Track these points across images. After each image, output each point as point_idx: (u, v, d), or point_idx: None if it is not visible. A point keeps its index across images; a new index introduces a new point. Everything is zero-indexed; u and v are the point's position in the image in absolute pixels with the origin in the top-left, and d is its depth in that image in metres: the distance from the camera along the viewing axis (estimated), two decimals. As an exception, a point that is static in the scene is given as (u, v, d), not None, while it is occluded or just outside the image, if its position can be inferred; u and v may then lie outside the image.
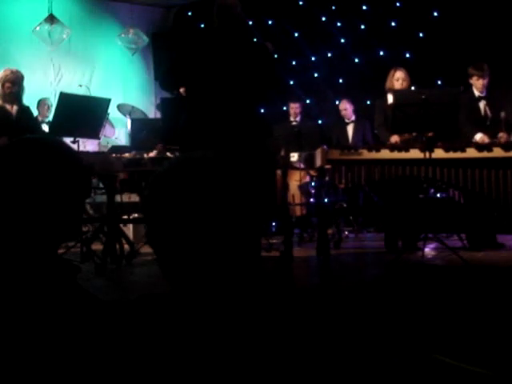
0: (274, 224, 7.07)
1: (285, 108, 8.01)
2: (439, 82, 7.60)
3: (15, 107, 5.53)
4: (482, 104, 5.75)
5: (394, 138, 5.52)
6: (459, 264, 4.72)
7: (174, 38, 9.31)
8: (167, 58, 4.27)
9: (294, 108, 7.68)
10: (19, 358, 1.12)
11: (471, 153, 5.02)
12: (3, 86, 5.45)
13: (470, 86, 5.79)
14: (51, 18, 7.93)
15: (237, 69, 4.00)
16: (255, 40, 4.28)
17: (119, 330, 1.08)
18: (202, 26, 9.17)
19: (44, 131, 7.02)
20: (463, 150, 5.05)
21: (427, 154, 4.91)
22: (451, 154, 5.04)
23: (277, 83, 4.20)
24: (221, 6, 4.12)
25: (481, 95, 5.74)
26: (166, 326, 1.05)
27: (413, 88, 5.92)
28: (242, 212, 1.09)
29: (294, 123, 7.58)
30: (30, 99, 7.15)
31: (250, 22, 8.67)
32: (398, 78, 5.72)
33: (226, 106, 3.93)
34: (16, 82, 5.48)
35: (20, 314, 1.16)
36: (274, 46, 4.19)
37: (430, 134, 5.32)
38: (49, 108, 7.44)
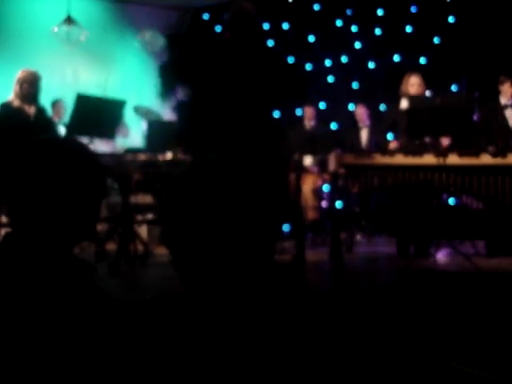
0: (286, 228, 7.06)
1: (299, 112, 8.01)
2: (454, 88, 7.58)
3: (33, 108, 5.57)
4: (509, 112, 5.72)
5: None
6: (472, 270, 4.70)
7: (191, 40, 9.34)
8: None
9: (309, 112, 7.67)
10: (36, 355, 1.14)
11: (485, 159, 5.00)
12: (21, 86, 5.48)
13: (498, 93, 5.78)
14: (69, 20, 7.98)
15: (250, 75, 4.00)
16: (269, 48, 4.28)
17: (135, 329, 1.10)
18: (219, 28, 9.20)
19: (58, 132, 7.06)
20: (477, 156, 5.03)
21: (441, 160, 4.90)
22: (465, 160, 5.02)
23: (296, 88, 4.19)
24: (235, 14, 4.12)
25: (507, 103, 5.71)
26: (180, 326, 1.06)
27: (428, 93, 5.91)
28: (257, 215, 1.10)
29: (308, 127, 7.58)
30: (48, 100, 7.20)
31: (266, 26, 8.69)
32: (414, 84, 5.71)
33: (240, 112, 3.94)
34: (34, 82, 5.52)
35: (38, 313, 1.18)
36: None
37: (446, 143, 5.31)
38: (65, 109, 7.47)
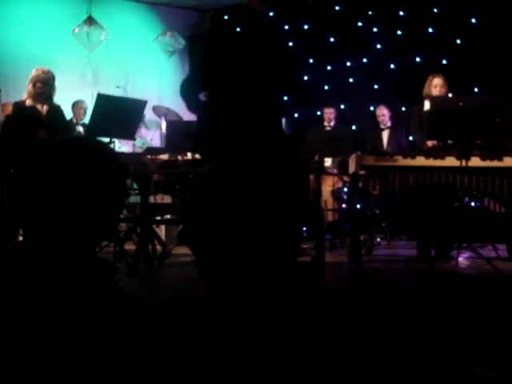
0: (305, 229, 7.05)
1: (319, 113, 7.99)
2: (476, 90, 7.52)
3: (45, 107, 5.51)
4: None
5: (431, 142, 5.50)
6: (493, 274, 4.65)
7: (210, 41, 9.36)
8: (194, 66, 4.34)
9: (328, 113, 7.65)
10: (56, 353, 1.13)
11: (508, 162, 4.94)
12: (34, 85, 5.44)
13: None
14: (90, 20, 8.03)
15: (262, 74, 3.99)
16: (283, 45, 4.27)
17: (157, 329, 1.09)
18: (238, 29, 9.21)
19: (76, 130, 7.10)
20: (500, 159, 4.97)
21: (463, 162, 4.85)
22: (488, 163, 4.96)
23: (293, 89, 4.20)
24: (247, 13, 4.14)
25: None
26: (202, 326, 1.05)
27: (450, 95, 5.87)
28: (280, 216, 1.09)
29: (327, 128, 7.56)
30: (68, 100, 7.25)
31: (286, 27, 8.68)
32: (436, 85, 5.68)
33: (253, 112, 3.93)
34: (47, 82, 5.47)
35: (60, 310, 1.17)
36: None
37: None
38: (85, 111, 7.51)
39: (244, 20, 4.13)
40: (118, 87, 8.08)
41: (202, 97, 4.16)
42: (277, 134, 4.02)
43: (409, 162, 5.02)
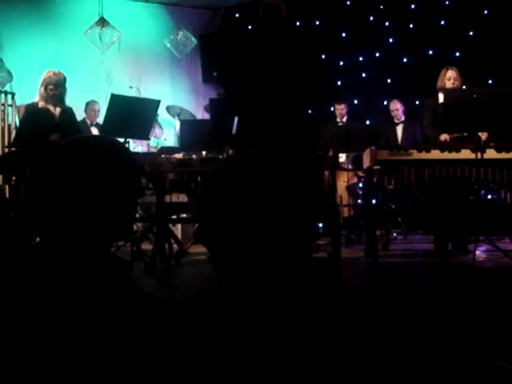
0: (321, 225, 7.04)
1: (332, 109, 7.97)
2: (490, 81, 7.46)
3: (58, 109, 5.51)
4: None
5: (444, 137, 5.45)
6: (511, 267, 4.62)
7: (222, 39, 9.37)
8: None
9: (340, 109, 7.63)
10: (74, 351, 1.14)
11: (524, 153, 4.91)
12: (46, 88, 5.44)
13: None
14: (102, 21, 8.06)
15: (284, 69, 4.00)
16: (303, 38, 4.26)
17: (173, 327, 1.09)
18: (250, 27, 9.20)
19: (90, 131, 7.13)
20: (516, 151, 4.94)
21: (479, 155, 4.82)
22: (503, 155, 4.93)
23: (327, 83, 4.18)
24: (266, 7, 4.15)
25: None
26: (219, 323, 1.05)
27: (464, 87, 5.83)
28: (293, 212, 1.08)
29: (340, 124, 7.53)
30: (81, 101, 7.29)
31: (298, 23, 8.66)
32: (450, 77, 5.64)
33: (276, 107, 3.94)
34: (59, 83, 5.46)
35: (77, 309, 1.18)
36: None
37: (483, 137, 5.22)
38: (98, 112, 7.53)
39: (263, 15, 4.15)
40: (131, 87, 8.10)
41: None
42: (303, 129, 4.02)
43: (424, 155, 5.00)
